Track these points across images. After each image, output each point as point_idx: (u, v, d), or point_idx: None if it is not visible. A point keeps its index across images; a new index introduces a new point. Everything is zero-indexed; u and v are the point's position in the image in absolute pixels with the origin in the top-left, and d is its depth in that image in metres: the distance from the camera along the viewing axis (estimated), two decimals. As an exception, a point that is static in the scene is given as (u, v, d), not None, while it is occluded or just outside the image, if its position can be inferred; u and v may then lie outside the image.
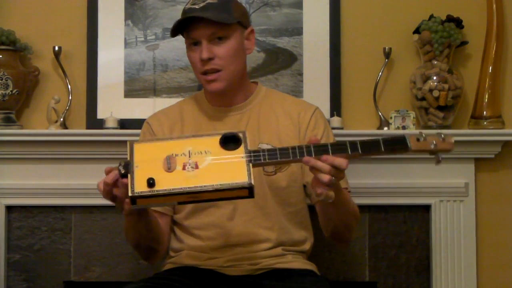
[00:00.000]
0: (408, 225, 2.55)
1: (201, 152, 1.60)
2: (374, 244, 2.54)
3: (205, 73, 1.92)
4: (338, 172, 1.63)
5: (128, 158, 1.60)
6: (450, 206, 2.52)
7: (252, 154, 1.61)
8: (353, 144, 1.64)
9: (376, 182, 2.43)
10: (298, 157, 1.63)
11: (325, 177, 1.62)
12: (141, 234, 1.84)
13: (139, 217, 1.76)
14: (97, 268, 2.51)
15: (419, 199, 2.53)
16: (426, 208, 2.54)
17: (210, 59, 1.89)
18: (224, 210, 1.94)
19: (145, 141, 1.63)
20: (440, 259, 2.51)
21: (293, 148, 1.64)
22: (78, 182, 2.48)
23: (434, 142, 1.63)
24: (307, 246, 2.03)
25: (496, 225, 2.58)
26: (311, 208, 2.07)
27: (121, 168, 1.59)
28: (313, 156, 1.63)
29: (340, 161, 1.62)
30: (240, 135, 1.62)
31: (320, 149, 1.63)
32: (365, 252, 2.54)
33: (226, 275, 1.92)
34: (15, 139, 2.44)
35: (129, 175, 1.57)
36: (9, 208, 2.51)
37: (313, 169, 1.64)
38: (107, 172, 1.64)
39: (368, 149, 1.64)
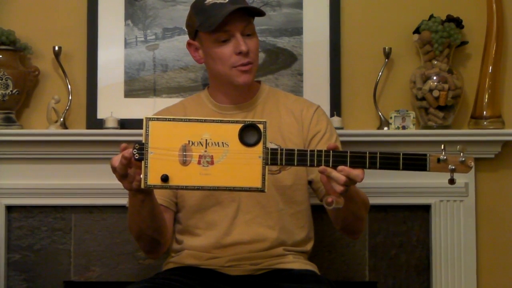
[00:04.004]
0: (408, 225, 2.55)
1: (218, 144, 1.58)
2: (374, 244, 2.54)
3: (240, 65, 1.93)
4: (352, 182, 1.62)
5: (143, 138, 1.57)
6: (450, 206, 2.52)
7: (269, 156, 1.59)
8: (372, 157, 1.60)
9: (376, 182, 2.43)
10: (316, 165, 1.61)
11: (339, 188, 1.61)
12: (145, 222, 1.83)
13: (143, 202, 1.75)
14: (97, 268, 2.51)
15: (419, 199, 2.53)
16: (426, 208, 2.54)
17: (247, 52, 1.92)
18: (228, 209, 1.95)
19: (162, 119, 1.59)
20: (440, 259, 2.51)
21: (312, 153, 1.61)
22: (78, 182, 2.48)
23: (453, 167, 1.62)
24: (308, 246, 2.03)
25: (496, 225, 2.58)
26: (314, 208, 2.07)
27: (135, 152, 1.57)
28: (331, 165, 1.60)
29: (356, 173, 1.60)
30: (261, 126, 1.59)
31: (338, 159, 1.60)
32: (365, 252, 2.54)
33: (227, 275, 1.92)
34: (15, 139, 2.43)
35: (143, 162, 1.56)
36: (9, 208, 2.51)
37: (328, 178, 1.62)
38: (123, 149, 1.61)
39: (385, 166, 1.61)
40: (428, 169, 1.62)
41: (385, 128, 2.50)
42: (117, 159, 1.63)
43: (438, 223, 2.51)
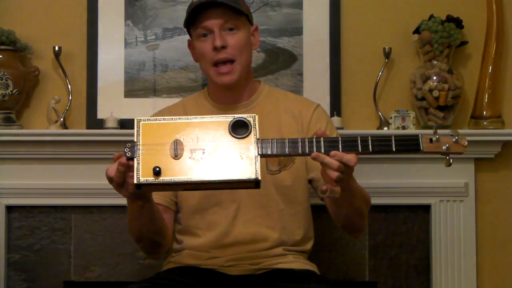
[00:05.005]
0: (408, 225, 2.55)
1: (209, 137, 1.58)
2: (374, 244, 2.54)
3: (217, 64, 1.92)
4: (347, 168, 1.60)
5: (135, 138, 1.58)
6: (450, 206, 2.52)
7: (261, 145, 1.58)
8: (364, 140, 1.60)
9: (376, 182, 2.43)
10: (308, 151, 1.60)
11: (334, 174, 1.60)
12: (144, 226, 1.83)
13: (142, 207, 1.75)
14: (97, 268, 2.51)
15: (419, 199, 2.53)
16: (426, 208, 2.54)
17: (223, 47, 1.90)
18: (227, 210, 1.94)
19: (153, 119, 1.60)
20: (440, 259, 2.51)
21: (303, 141, 1.60)
22: (78, 182, 2.48)
23: (447, 145, 1.61)
24: (308, 246, 2.03)
25: (496, 225, 2.58)
26: (314, 208, 2.07)
27: (127, 150, 1.57)
28: (323, 150, 1.59)
29: (348, 157, 1.59)
30: (250, 120, 1.59)
31: (330, 144, 1.60)
32: (365, 252, 2.54)
33: (227, 274, 1.92)
34: (15, 139, 2.43)
35: (135, 159, 1.56)
36: (9, 208, 2.51)
37: (322, 164, 1.62)
38: (118, 157, 1.61)
39: (378, 148, 1.60)
40: (421, 149, 1.60)
41: (385, 128, 2.50)
42: (112, 169, 1.63)
43: (438, 223, 2.51)
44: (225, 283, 1.89)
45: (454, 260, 2.51)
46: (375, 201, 2.41)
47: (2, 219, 2.49)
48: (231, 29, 1.93)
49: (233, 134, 1.58)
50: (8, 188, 2.48)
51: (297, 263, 1.96)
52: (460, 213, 2.52)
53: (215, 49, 1.91)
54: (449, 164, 1.62)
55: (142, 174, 1.55)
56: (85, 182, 2.47)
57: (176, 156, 1.56)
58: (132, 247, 2.47)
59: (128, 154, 1.57)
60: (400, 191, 2.52)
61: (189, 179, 1.56)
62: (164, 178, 1.55)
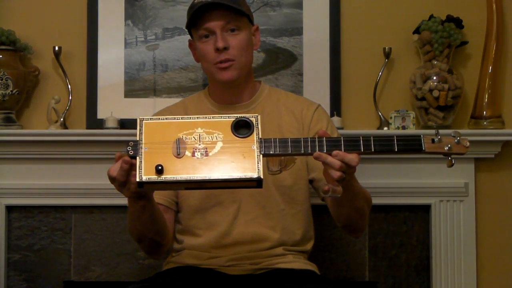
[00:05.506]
0: (408, 225, 2.55)
1: (211, 137, 1.58)
2: (374, 244, 2.54)
3: (218, 63, 1.93)
4: (349, 168, 1.61)
5: (137, 137, 1.58)
6: (450, 206, 2.52)
7: (263, 144, 1.59)
8: (366, 140, 1.61)
9: (376, 182, 2.43)
10: (310, 151, 1.61)
11: (336, 174, 1.60)
12: (145, 226, 1.83)
13: (143, 208, 1.75)
14: (97, 268, 2.51)
15: (419, 199, 2.53)
16: (426, 208, 2.54)
17: (225, 49, 1.91)
18: (228, 210, 1.94)
19: (155, 119, 1.61)
20: (440, 259, 2.51)
21: (305, 140, 1.61)
22: (78, 182, 2.48)
23: (449, 146, 1.62)
24: (308, 246, 2.03)
25: (496, 225, 2.58)
26: (314, 208, 2.07)
27: (130, 149, 1.57)
28: (325, 150, 1.60)
29: (350, 157, 1.59)
30: (253, 119, 1.60)
31: (332, 144, 1.61)
32: (365, 252, 2.54)
33: (227, 274, 1.92)
34: (15, 139, 2.44)
35: (137, 158, 1.56)
36: (9, 208, 2.51)
37: (324, 164, 1.62)
38: (119, 157, 1.61)
39: (380, 148, 1.61)
40: (423, 149, 1.61)
41: (385, 128, 2.50)
42: (114, 169, 1.63)
43: (438, 223, 2.52)
44: (225, 283, 1.89)
45: (454, 260, 2.51)
46: (375, 201, 2.41)
47: (2, 219, 2.49)
48: (232, 30, 1.93)
49: (236, 134, 1.59)
50: (8, 188, 2.48)
51: (297, 263, 1.96)
52: (460, 213, 2.52)
53: (217, 50, 1.92)
54: (451, 165, 1.63)
55: (144, 172, 1.55)
56: (85, 182, 2.47)
57: (179, 155, 1.57)
58: (132, 247, 2.47)
59: (131, 152, 1.57)
60: (400, 191, 2.52)
61: (191, 178, 1.56)
62: (166, 176, 1.55)
